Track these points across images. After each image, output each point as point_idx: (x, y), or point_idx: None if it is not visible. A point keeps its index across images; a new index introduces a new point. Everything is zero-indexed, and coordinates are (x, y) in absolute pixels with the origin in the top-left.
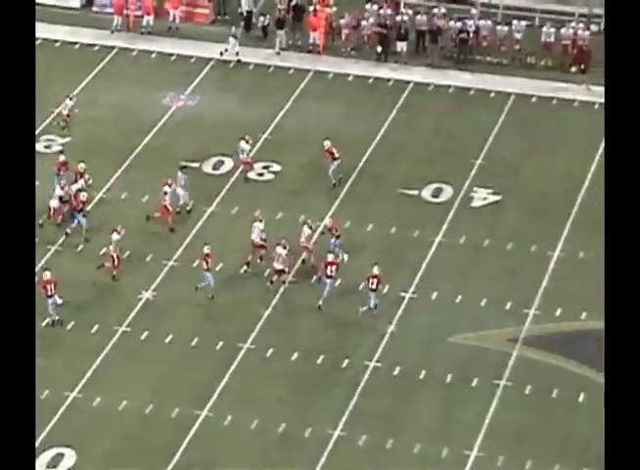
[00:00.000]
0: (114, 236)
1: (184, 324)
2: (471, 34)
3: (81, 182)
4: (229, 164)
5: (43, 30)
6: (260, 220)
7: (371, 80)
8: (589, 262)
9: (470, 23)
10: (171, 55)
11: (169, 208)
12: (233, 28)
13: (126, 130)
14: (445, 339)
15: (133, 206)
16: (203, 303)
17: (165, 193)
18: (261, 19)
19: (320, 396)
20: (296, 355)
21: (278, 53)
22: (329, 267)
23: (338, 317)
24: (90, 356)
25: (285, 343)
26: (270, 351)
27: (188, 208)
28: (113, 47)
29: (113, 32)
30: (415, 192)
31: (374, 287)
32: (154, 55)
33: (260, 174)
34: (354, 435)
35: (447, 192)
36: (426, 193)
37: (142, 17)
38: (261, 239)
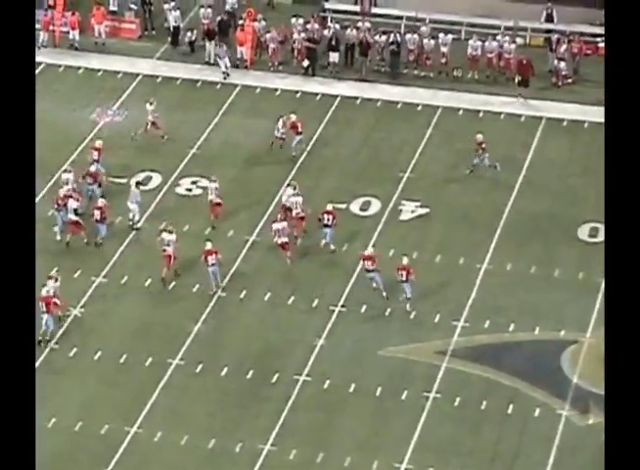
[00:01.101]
0: None
1: (112, 341)
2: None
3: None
4: (157, 179)
5: None
6: (294, 188)
7: (299, 94)
8: (517, 274)
9: (390, 37)
10: (98, 70)
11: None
12: (218, 48)
13: (54, 146)
14: (375, 352)
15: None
16: (131, 318)
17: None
18: (189, 34)
19: (250, 410)
20: (225, 371)
21: (208, 62)
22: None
23: (266, 331)
24: None
25: (214, 358)
26: (199, 366)
27: (137, 225)
28: (39, 63)
29: (39, 48)
30: (343, 205)
31: (404, 278)
32: (80, 70)
33: (189, 189)
34: (285, 449)
35: (375, 205)
36: (354, 206)
37: (68, 32)
38: (301, 210)
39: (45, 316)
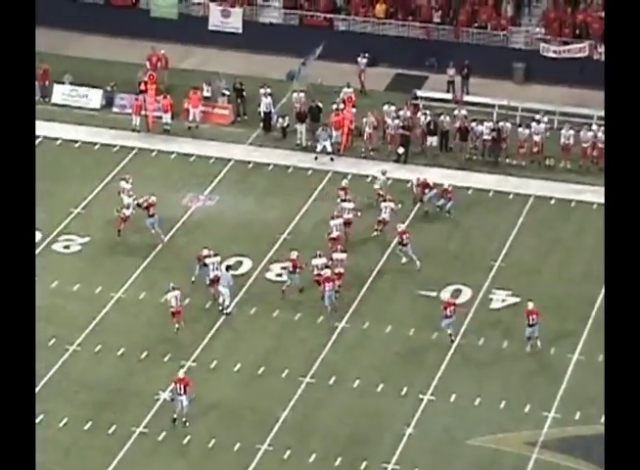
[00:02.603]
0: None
1: (201, 425)
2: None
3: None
4: (248, 264)
5: (64, 131)
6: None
7: (390, 182)
8: None
9: (490, 124)
10: (190, 155)
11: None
12: (321, 130)
13: (146, 230)
14: (463, 441)
15: (152, 306)
16: (220, 402)
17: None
18: (280, 120)
19: None
20: (313, 457)
21: (298, 144)
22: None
23: (355, 418)
24: (107, 458)
25: (302, 444)
26: (287, 452)
27: (227, 310)
28: (132, 148)
29: (133, 131)
30: (434, 293)
31: (534, 322)
32: (173, 155)
33: (279, 274)
34: None
35: (466, 293)
36: (445, 294)
37: (160, 117)
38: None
39: (182, 398)
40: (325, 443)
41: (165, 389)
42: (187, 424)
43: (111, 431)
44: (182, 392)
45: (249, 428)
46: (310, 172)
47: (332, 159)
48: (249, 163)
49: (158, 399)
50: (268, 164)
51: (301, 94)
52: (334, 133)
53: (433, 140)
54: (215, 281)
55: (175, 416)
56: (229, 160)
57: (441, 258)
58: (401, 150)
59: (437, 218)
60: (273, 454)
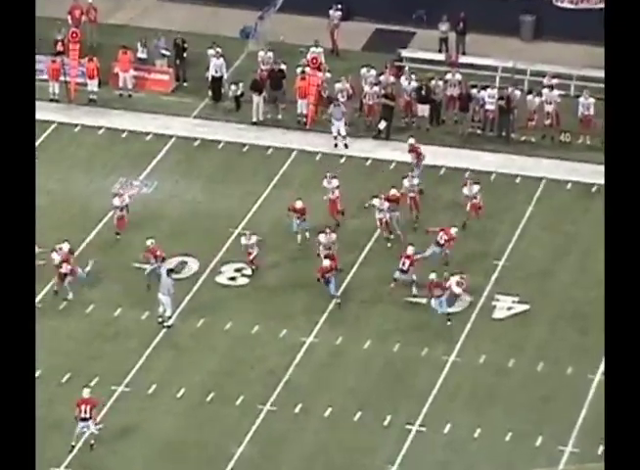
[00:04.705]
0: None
1: (137, 465)
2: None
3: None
4: (194, 265)
5: None
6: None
7: (369, 162)
8: None
9: (495, 91)
10: (122, 131)
11: None
12: (333, 107)
13: (67, 224)
14: None
15: (76, 318)
16: (160, 437)
17: None
18: (233, 87)
19: None
20: None
21: (255, 122)
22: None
23: (327, 454)
24: None
25: None
26: None
27: (168, 323)
28: (49, 122)
29: (51, 101)
30: (423, 299)
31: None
32: (100, 131)
33: (232, 278)
34: None
35: (463, 300)
36: (436, 301)
37: (85, 84)
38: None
39: (87, 423)
40: None
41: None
42: (94, 447)
43: None
44: (88, 416)
45: (194, 467)
46: (271, 151)
47: (346, 145)
48: (194, 139)
49: (83, 433)
50: (218, 142)
51: (269, 53)
52: (298, 102)
53: (424, 110)
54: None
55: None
56: (170, 136)
57: (432, 257)
58: (382, 124)
59: (428, 208)
60: None
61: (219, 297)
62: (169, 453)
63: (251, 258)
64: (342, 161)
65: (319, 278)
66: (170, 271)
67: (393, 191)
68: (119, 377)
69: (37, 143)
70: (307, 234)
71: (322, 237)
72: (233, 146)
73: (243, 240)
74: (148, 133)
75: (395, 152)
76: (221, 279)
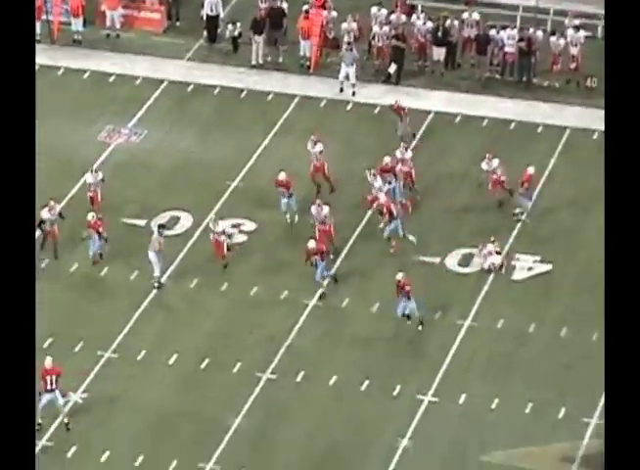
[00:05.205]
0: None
1: (124, 438)
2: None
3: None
4: (187, 221)
5: None
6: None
7: (377, 110)
8: None
9: (515, 32)
10: (109, 74)
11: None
12: (345, 50)
13: (49, 176)
14: (477, 458)
15: (58, 277)
16: (149, 407)
17: None
18: (230, 27)
19: None
20: None
21: (254, 65)
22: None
23: (332, 427)
24: None
25: (262, 463)
26: None
27: (157, 283)
28: None
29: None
30: (436, 259)
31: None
32: (86, 74)
33: (228, 235)
34: None
35: (480, 260)
36: (451, 261)
37: (69, 24)
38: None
39: (53, 395)
40: (291, 460)
41: (76, 389)
42: (69, 427)
43: None
44: (52, 386)
45: (188, 441)
46: (271, 97)
47: (354, 93)
48: (188, 84)
49: (67, 402)
50: (214, 87)
51: None
52: (301, 43)
53: (439, 53)
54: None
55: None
56: (161, 80)
57: (447, 213)
58: (393, 67)
59: (439, 160)
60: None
61: (214, 255)
62: (160, 426)
63: (225, 248)
64: (349, 107)
65: (305, 260)
66: (161, 227)
67: (387, 159)
68: (106, 342)
69: None
70: (296, 217)
71: (313, 209)
72: (230, 91)
73: (210, 225)
74: (137, 77)
75: (407, 98)
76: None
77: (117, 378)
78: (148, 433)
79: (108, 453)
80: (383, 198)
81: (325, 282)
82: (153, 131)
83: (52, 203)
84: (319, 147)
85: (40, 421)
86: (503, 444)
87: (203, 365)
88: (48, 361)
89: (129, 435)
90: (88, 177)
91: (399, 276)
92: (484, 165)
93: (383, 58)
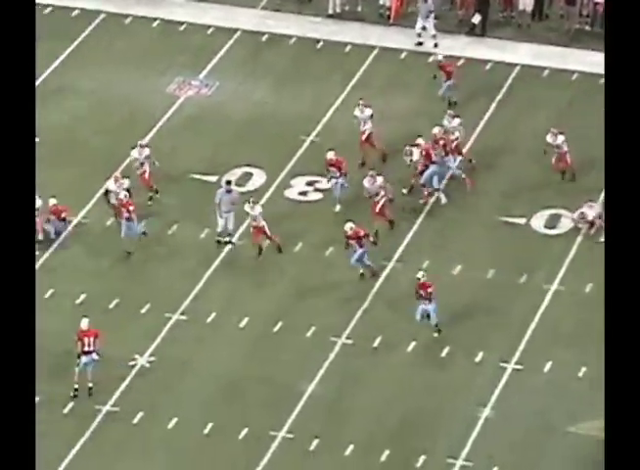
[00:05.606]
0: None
1: (193, 403)
2: None
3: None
4: (260, 177)
5: None
6: None
7: (461, 62)
8: None
9: None
10: (180, 23)
11: None
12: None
13: (114, 129)
14: (563, 429)
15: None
16: (219, 371)
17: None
18: None
19: None
20: (351, 448)
21: (331, 15)
22: None
23: (408, 395)
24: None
25: (335, 431)
26: (314, 442)
27: (226, 239)
28: (97, 12)
29: None
30: (521, 220)
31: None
32: (155, 23)
33: (303, 193)
34: None
35: (566, 222)
36: (537, 222)
37: None
38: None
39: (91, 357)
40: (367, 429)
41: (143, 352)
42: (91, 392)
43: (66, 410)
44: (91, 348)
45: (259, 408)
46: (349, 48)
47: (435, 44)
48: (262, 34)
49: (134, 366)
50: (289, 37)
51: None
52: None
53: (527, 3)
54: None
55: (81, 385)
56: (234, 30)
57: (530, 172)
58: (477, 18)
59: (522, 117)
60: (293, 445)
61: (288, 214)
62: (230, 391)
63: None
64: (430, 60)
65: (345, 246)
66: (228, 183)
67: (435, 130)
68: (174, 303)
69: (82, 36)
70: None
71: (366, 182)
72: (306, 41)
73: (247, 208)
74: (209, 26)
75: (492, 51)
76: (291, 194)
77: (186, 341)
78: (217, 398)
79: (175, 420)
80: (416, 156)
81: (361, 270)
82: (224, 83)
83: (119, 175)
84: (368, 112)
85: (77, 386)
86: (590, 414)
87: (275, 329)
88: (84, 323)
89: (198, 400)
90: (134, 153)
91: (419, 275)
92: (549, 138)
93: (466, 8)
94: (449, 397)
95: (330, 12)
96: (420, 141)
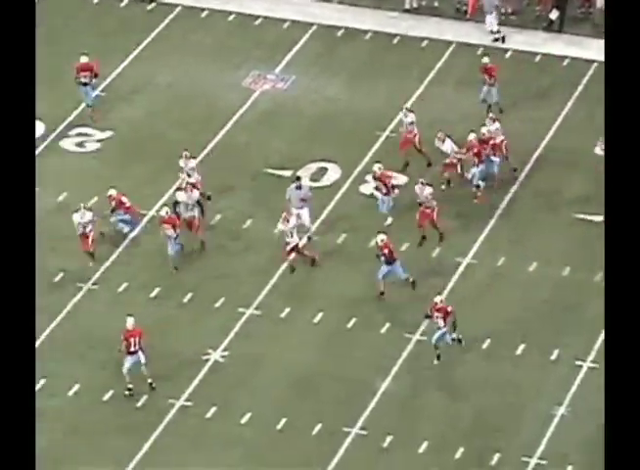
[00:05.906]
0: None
1: (266, 398)
2: None
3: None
4: (335, 172)
5: None
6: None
7: (538, 58)
8: None
9: None
10: (256, 17)
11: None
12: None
13: (189, 123)
14: None
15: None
16: (293, 366)
17: None
18: None
19: None
20: (425, 446)
21: (408, 10)
22: None
23: (482, 392)
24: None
25: (410, 428)
26: (387, 439)
27: (308, 235)
28: (174, 5)
29: None
30: (599, 218)
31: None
32: (231, 17)
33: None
34: None
35: None
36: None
37: None
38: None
39: (137, 356)
40: (440, 427)
41: (217, 347)
42: (154, 386)
43: (139, 403)
44: (136, 348)
45: (332, 404)
46: (425, 43)
47: (503, 38)
48: (338, 28)
49: (207, 360)
50: (365, 32)
51: None
52: None
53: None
54: None
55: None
56: (310, 24)
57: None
58: (555, 14)
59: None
60: (366, 442)
61: (363, 209)
62: (303, 387)
63: (289, 248)
64: (507, 55)
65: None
66: (297, 179)
67: (471, 137)
68: (248, 298)
69: (158, 30)
70: (390, 218)
71: (417, 189)
72: (382, 36)
73: (280, 226)
74: (285, 20)
75: (570, 47)
76: (365, 189)
77: (259, 336)
78: (291, 394)
79: (249, 415)
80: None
81: (382, 285)
82: (300, 77)
83: (188, 185)
84: (411, 117)
85: (130, 386)
86: None
87: (349, 324)
88: (130, 322)
89: (271, 396)
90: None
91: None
92: (599, 150)
93: (544, 3)
94: (524, 394)
95: (407, 7)
96: (472, 136)
